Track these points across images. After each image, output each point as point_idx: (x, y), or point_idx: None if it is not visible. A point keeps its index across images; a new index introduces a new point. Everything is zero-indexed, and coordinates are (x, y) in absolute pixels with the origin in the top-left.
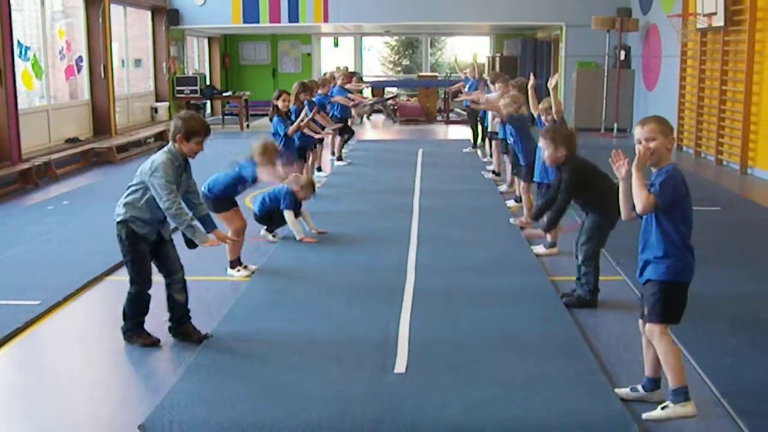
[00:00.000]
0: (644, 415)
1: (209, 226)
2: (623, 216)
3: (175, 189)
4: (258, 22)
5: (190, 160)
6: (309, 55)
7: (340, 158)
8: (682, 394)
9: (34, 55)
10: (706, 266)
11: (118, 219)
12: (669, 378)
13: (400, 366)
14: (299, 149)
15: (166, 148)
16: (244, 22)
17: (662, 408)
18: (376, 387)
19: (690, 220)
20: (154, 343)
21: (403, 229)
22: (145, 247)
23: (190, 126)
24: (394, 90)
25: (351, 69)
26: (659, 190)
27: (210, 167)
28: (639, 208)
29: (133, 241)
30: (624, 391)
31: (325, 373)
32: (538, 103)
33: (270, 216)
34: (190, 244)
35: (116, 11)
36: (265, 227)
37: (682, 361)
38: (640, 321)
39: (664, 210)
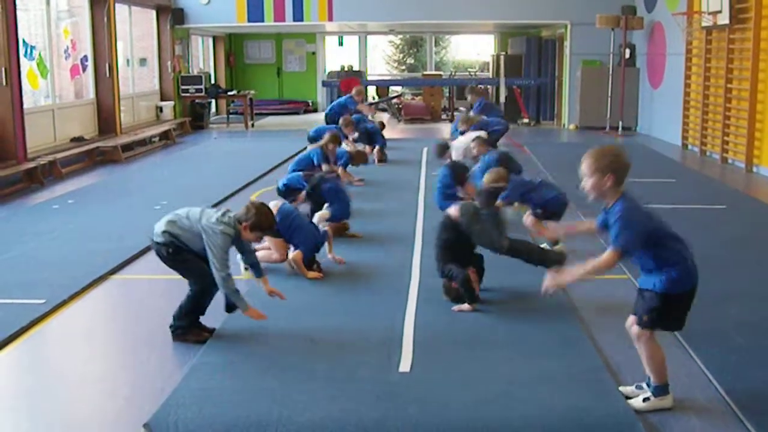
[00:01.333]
0: (630, 403)
1: (258, 271)
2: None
3: (228, 258)
4: (263, 20)
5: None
6: (314, 53)
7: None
8: (663, 390)
9: (40, 55)
10: (711, 265)
11: (159, 241)
12: (652, 376)
13: (405, 365)
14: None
15: (232, 224)
16: (249, 20)
17: (644, 400)
18: (380, 385)
19: (671, 234)
20: (206, 338)
21: (408, 228)
22: (188, 253)
23: (259, 222)
24: (398, 89)
25: (355, 68)
26: (618, 241)
27: (212, 166)
28: (610, 268)
29: (176, 253)
30: (629, 389)
31: (329, 372)
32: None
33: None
34: (230, 308)
35: (121, 10)
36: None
37: (666, 362)
38: (630, 318)
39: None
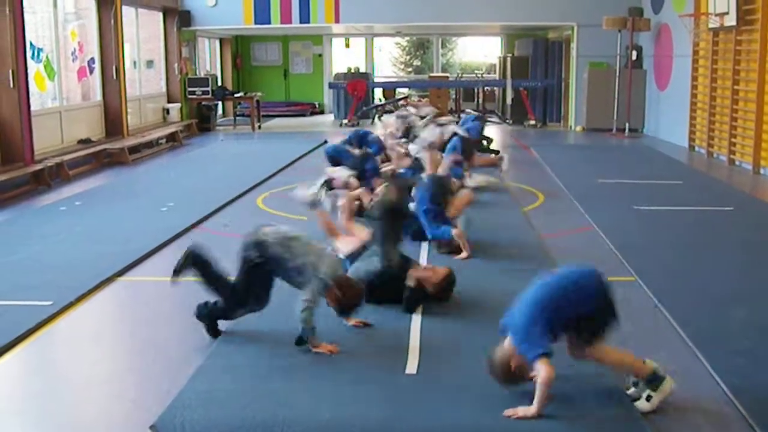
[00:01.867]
0: (636, 406)
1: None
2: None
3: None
4: (269, 23)
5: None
6: (320, 56)
7: None
8: (656, 379)
9: (47, 57)
10: (718, 267)
11: (260, 249)
12: (634, 375)
13: (412, 367)
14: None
15: (326, 281)
16: (256, 23)
17: (647, 399)
18: (387, 388)
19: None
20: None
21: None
22: (260, 273)
23: (346, 303)
24: (405, 90)
25: (362, 70)
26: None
27: (219, 168)
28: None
29: (258, 267)
30: (632, 391)
31: (336, 374)
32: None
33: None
34: (300, 341)
35: (128, 13)
36: None
37: (630, 355)
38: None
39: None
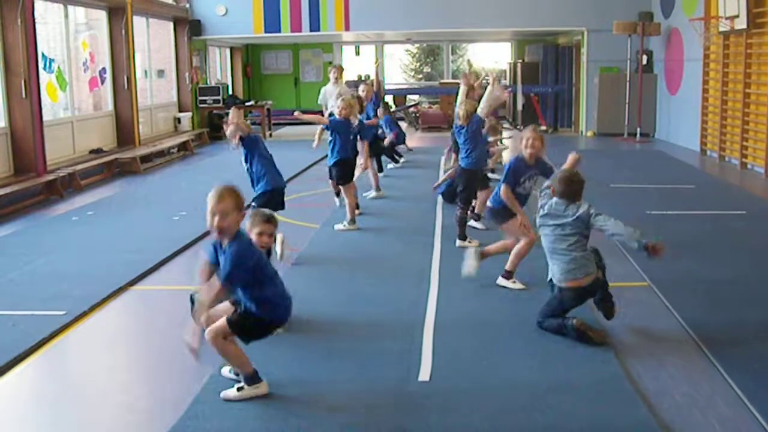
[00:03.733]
0: (222, 394)
1: None
2: None
3: None
4: (279, 31)
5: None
6: (331, 63)
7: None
8: (253, 379)
9: (59, 68)
10: (731, 271)
11: None
12: (238, 370)
13: (424, 374)
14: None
15: None
16: (266, 31)
17: (238, 390)
18: (400, 395)
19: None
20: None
21: (426, 236)
22: None
23: None
24: (415, 97)
25: (372, 77)
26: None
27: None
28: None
29: None
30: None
31: (348, 382)
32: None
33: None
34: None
35: (139, 22)
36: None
37: (243, 353)
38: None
39: None
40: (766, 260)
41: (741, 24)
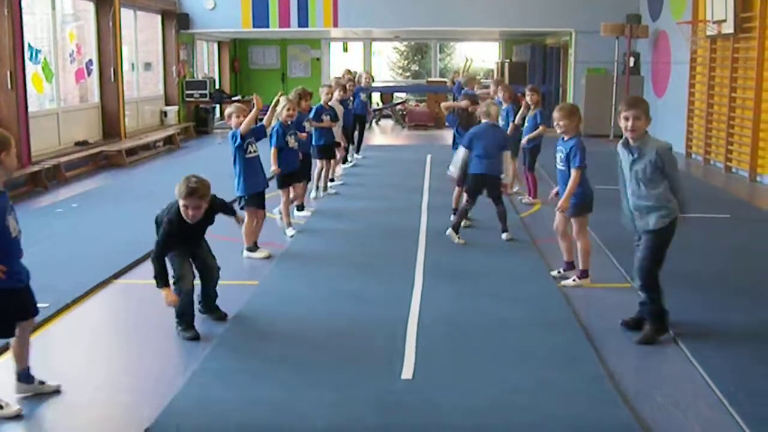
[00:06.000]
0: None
1: None
2: None
3: None
4: (268, 26)
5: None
6: (318, 59)
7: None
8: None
9: (45, 59)
10: (714, 273)
11: None
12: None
13: (407, 372)
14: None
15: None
16: (254, 26)
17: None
18: (383, 393)
19: None
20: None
21: (411, 235)
22: None
23: None
24: (402, 95)
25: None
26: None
27: (216, 171)
28: None
29: None
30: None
31: (331, 380)
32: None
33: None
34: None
35: (126, 15)
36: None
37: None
38: None
39: None
40: (749, 263)
41: (728, 28)
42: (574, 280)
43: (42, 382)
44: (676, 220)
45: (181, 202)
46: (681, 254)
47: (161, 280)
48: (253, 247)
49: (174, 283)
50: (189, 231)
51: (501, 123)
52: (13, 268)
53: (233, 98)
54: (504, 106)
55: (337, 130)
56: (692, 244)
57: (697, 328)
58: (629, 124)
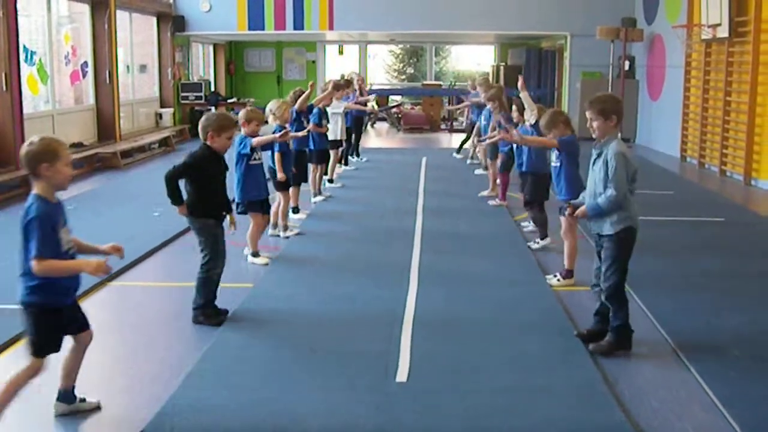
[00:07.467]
0: None
1: None
2: None
3: None
4: (263, 29)
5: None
6: (314, 62)
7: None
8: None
9: (40, 60)
10: (709, 277)
11: None
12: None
13: (402, 375)
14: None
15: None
16: (250, 29)
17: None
18: (377, 396)
19: None
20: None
21: (406, 238)
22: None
23: None
24: (398, 98)
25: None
26: None
27: None
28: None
29: None
30: None
31: (326, 383)
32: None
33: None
34: None
35: (122, 17)
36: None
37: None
38: None
39: None
40: (743, 267)
41: (723, 32)
42: (558, 280)
43: (83, 400)
44: (635, 232)
45: (226, 134)
46: (675, 258)
47: (175, 198)
48: (257, 253)
49: (205, 263)
50: (212, 166)
51: (482, 123)
52: (59, 282)
53: (228, 101)
54: (488, 106)
55: (338, 130)
56: (686, 247)
57: (692, 332)
58: (589, 123)
